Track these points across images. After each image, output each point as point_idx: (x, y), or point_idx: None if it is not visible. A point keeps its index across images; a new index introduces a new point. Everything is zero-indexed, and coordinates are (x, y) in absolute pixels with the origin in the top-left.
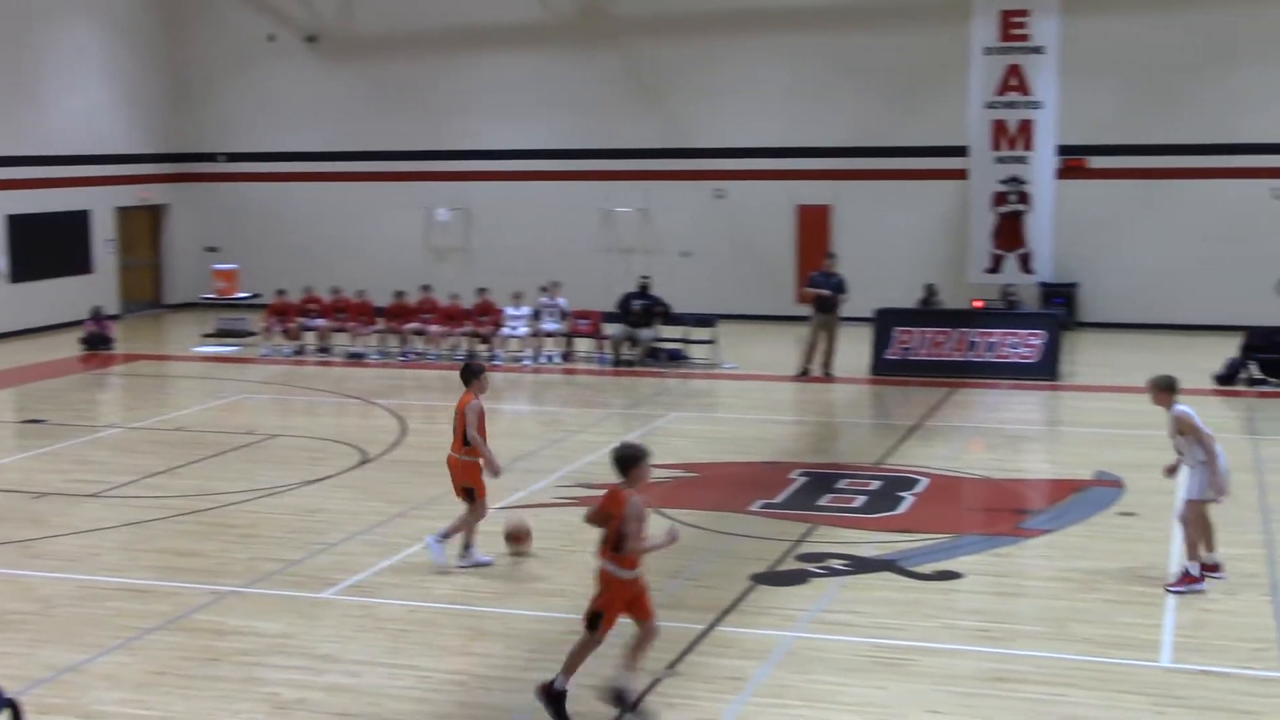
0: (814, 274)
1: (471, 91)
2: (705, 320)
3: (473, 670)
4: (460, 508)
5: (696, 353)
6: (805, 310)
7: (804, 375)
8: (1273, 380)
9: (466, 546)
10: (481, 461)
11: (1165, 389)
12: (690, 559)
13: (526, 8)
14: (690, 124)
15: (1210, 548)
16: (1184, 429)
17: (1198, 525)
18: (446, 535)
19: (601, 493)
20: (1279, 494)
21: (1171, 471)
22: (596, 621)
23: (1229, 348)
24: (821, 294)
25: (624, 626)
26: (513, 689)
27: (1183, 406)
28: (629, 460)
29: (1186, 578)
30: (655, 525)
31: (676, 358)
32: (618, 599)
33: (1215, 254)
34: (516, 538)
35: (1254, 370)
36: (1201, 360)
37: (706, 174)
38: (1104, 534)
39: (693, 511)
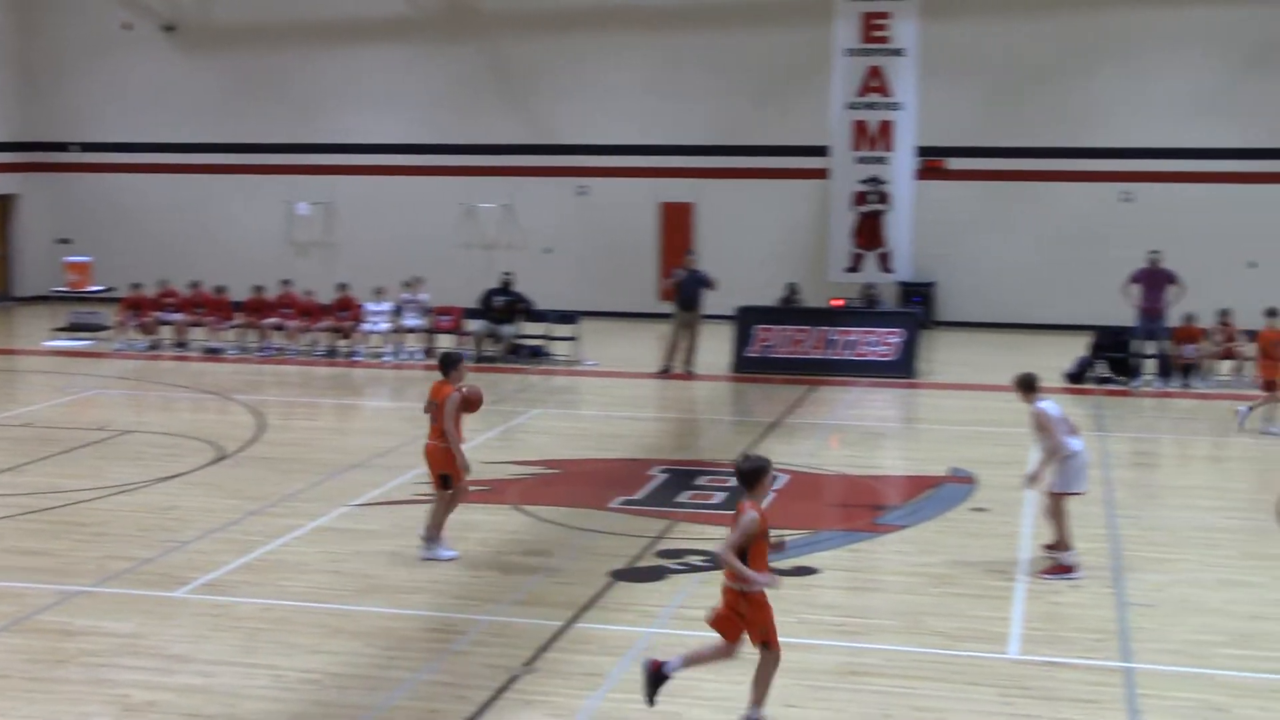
0: (676, 270)
1: (335, 84)
2: (567, 317)
3: (328, 669)
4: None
5: (559, 349)
6: (668, 308)
7: (666, 373)
8: (1120, 379)
9: (429, 539)
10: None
11: (1024, 387)
12: (550, 555)
13: (391, 1)
14: (554, 120)
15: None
16: (1040, 425)
17: (1061, 515)
18: (429, 536)
19: None
20: (1124, 489)
21: (1032, 480)
22: (769, 640)
23: (1079, 347)
24: (679, 276)
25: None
26: (368, 687)
27: (1042, 404)
28: (755, 473)
29: (1059, 567)
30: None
31: (539, 354)
32: (762, 610)
33: (1067, 255)
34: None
35: (1102, 369)
36: (1053, 359)
37: (570, 170)
38: (957, 529)
39: (553, 508)
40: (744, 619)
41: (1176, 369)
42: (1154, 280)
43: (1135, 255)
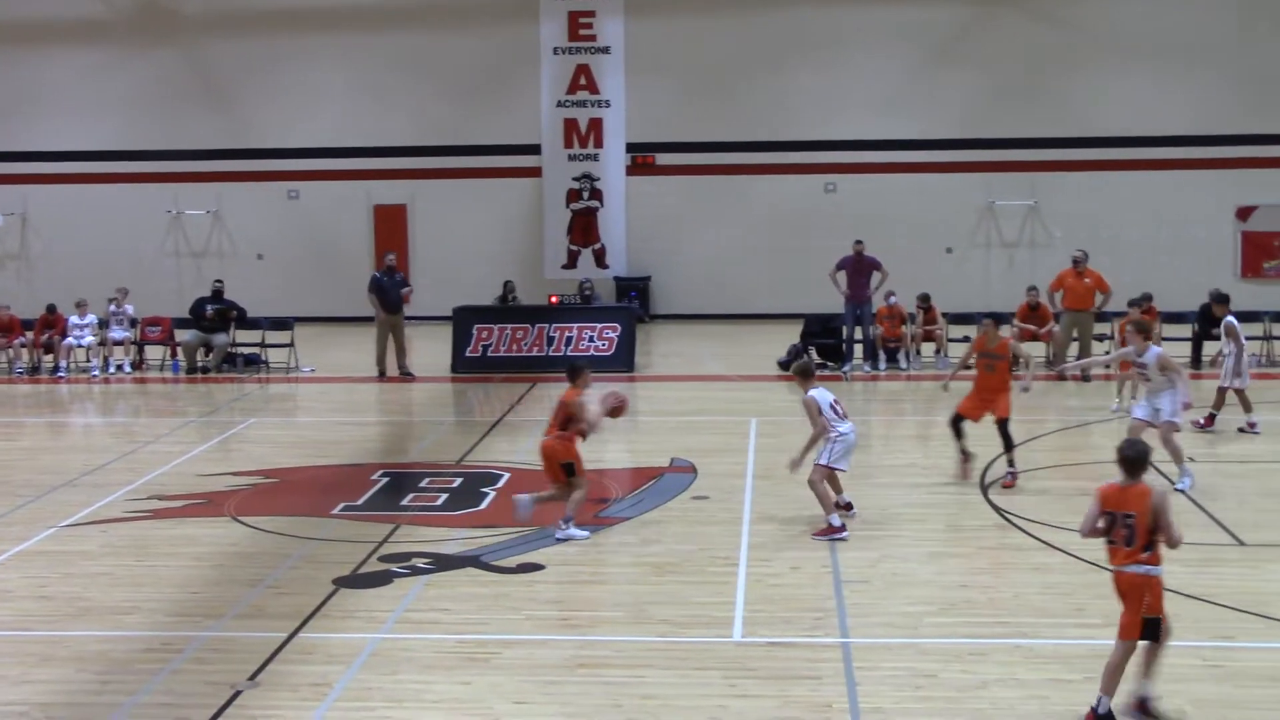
0: (375, 274)
1: (26, 89)
2: (282, 323)
3: (37, 699)
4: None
5: (274, 357)
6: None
7: (382, 377)
8: (831, 364)
9: (567, 519)
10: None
11: (801, 374)
12: (271, 566)
13: (85, 3)
14: (261, 124)
15: (839, 491)
16: (808, 411)
17: (826, 484)
18: (568, 519)
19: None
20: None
21: (794, 465)
22: (1157, 629)
23: (792, 335)
24: (380, 280)
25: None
26: (81, 715)
27: (813, 391)
28: (1144, 460)
29: (829, 529)
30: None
31: (254, 362)
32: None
33: (776, 246)
34: (616, 410)
35: (813, 355)
36: (766, 347)
37: (279, 174)
38: (679, 518)
39: (273, 518)
40: (1143, 602)
41: (883, 352)
42: (859, 267)
43: (840, 244)
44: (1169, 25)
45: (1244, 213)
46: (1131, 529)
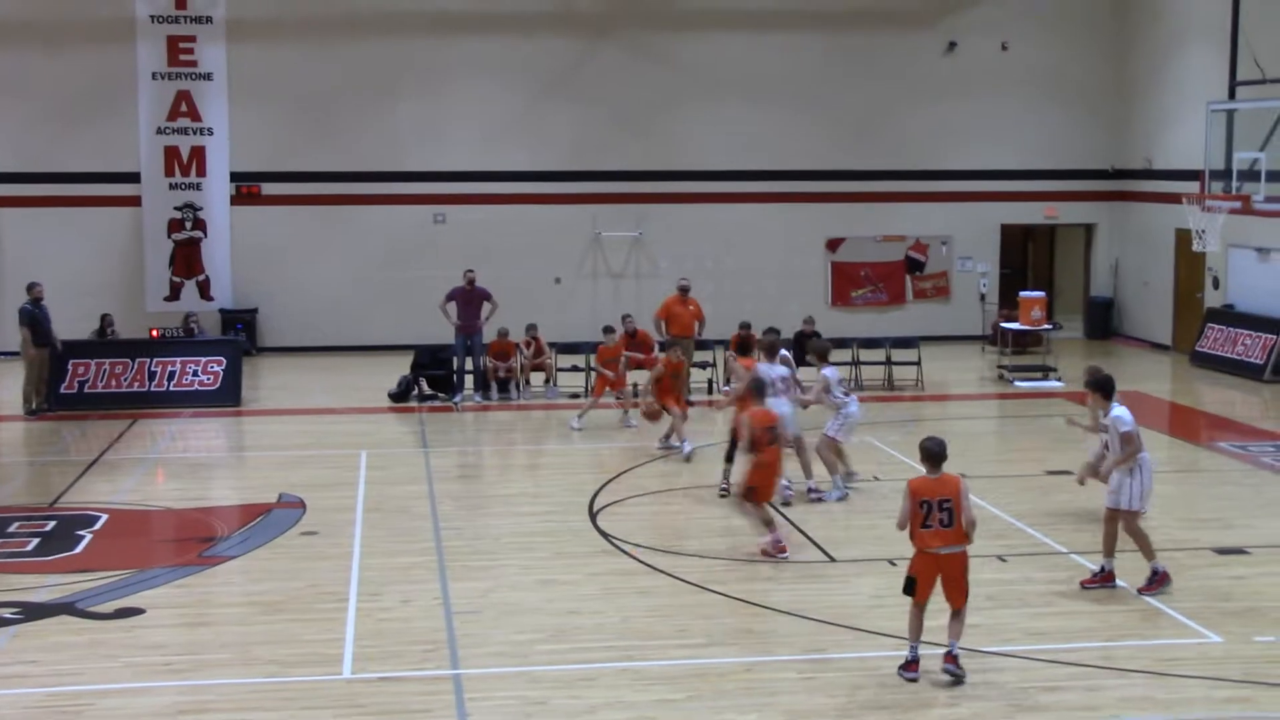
0: (26, 305)
1: None
2: None
3: None
4: None
5: None
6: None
7: (34, 414)
8: (441, 395)
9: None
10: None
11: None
12: None
13: None
14: None
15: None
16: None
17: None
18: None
19: None
20: (449, 501)
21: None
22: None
23: (402, 366)
24: (41, 313)
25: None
26: None
27: (825, 370)
28: (944, 454)
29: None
30: None
31: None
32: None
33: (386, 277)
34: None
35: (424, 386)
36: (377, 379)
37: None
38: (288, 555)
39: None
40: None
41: (493, 382)
42: (469, 298)
43: (451, 274)
44: (763, 67)
45: (833, 244)
46: (950, 513)
